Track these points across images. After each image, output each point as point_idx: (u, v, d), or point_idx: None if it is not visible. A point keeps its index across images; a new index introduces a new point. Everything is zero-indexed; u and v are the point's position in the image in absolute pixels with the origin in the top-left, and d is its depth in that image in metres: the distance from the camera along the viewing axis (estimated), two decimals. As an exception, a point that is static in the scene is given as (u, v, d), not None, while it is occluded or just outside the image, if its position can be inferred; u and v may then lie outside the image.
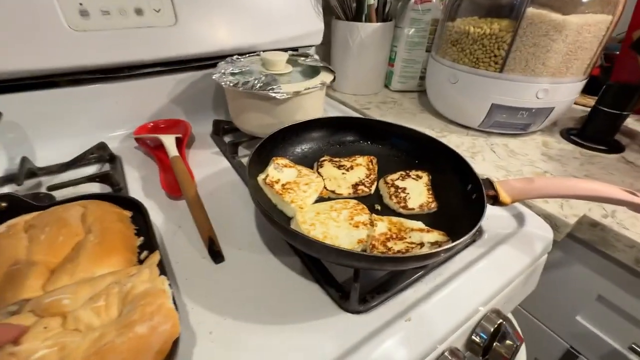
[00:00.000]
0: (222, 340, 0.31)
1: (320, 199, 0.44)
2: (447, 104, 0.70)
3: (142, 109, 0.65)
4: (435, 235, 0.37)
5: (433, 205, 0.42)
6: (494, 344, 0.38)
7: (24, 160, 0.50)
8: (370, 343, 0.31)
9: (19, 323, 0.25)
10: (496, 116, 0.63)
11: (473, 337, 0.38)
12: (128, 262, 0.33)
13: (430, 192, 0.44)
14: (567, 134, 0.68)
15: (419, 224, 0.39)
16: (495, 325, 0.37)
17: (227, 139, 0.64)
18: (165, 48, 0.59)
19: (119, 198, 0.41)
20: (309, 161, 0.50)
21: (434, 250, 0.29)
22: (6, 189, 0.50)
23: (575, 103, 0.81)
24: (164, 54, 0.60)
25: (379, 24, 0.75)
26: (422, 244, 0.35)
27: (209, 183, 0.52)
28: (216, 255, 0.38)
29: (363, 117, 0.54)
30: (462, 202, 0.41)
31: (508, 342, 0.38)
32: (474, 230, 0.32)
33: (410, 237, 0.37)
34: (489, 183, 0.40)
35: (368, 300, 0.34)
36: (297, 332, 0.32)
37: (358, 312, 0.33)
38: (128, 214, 0.39)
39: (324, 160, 0.49)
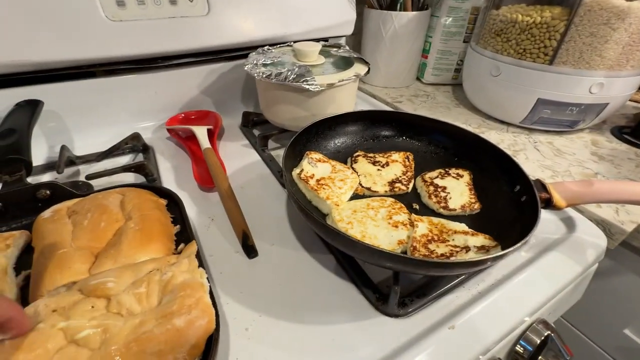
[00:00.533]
0: (258, 337, 0.30)
1: (355, 196, 0.42)
2: (486, 98, 0.66)
3: (174, 100, 0.65)
4: (481, 239, 0.34)
5: (476, 206, 0.40)
6: (539, 357, 0.35)
7: (63, 148, 0.51)
8: (412, 349, 0.29)
9: (59, 304, 0.25)
10: (541, 112, 0.59)
11: (517, 347, 0.35)
12: (167, 250, 0.33)
13: (473, 192, 0.42)
14: (619, 133, 0.63)
15: (463, 226, 0.36)
16: (542, 337, 0.35)
17: (256, 131, 0.64)
18: (197, 38, 0.59)
19: (155, 188, 0.41)
20: (342, 156, 0.49)
21: (484, 257, 0.27)
22: (47, 177, 0.51)
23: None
24: (197, 45, 0.59)
25: (414, 12, 0.72)
26: (467, 248, 0.33)
27: (239, 176, 0.52)
28: (250, 250, 0.38)
29: (398, 111, 0.51)
30: (509, 204, 0.38)
31: (554, 355, 0.36)
32: (529, 237, 0.29)
33: (453, 239, 0.35)
34: (541, 185, 0.37)
35: (407, 304, 0.33)
36: (334, 332, 0.31)
37: (397, 316, 0.32)
38: (163, 202, 0.40)
39: (358, 156, 0.47)
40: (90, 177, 0.47)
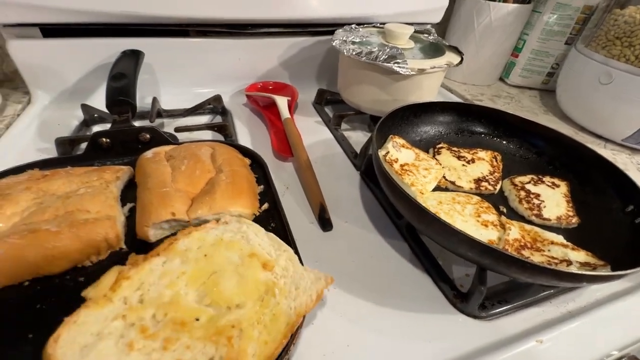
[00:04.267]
0: (333, 307, 0.30)
1: (437, 188, 0.40)
2: (586, 108, 0.59)
3: (253, 68, 0.66)
4: (583, 255, 0.31)
5: (574, 220, 0.36)
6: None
7: (155, 100, 0.55)
8: (493, 354, 0.27)
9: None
10: (653, 131, 0.52)
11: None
12: (253, 206, 0.34)
13: (570, 204, 0.38)
14: None
15: (561, 238, 0.33)
16: (632, 375, 0.31)
17: (328, 109, 0.63)
18: (289, 9, 0.59)
19: (240, 148, 0.42)
20: (423, 145, 0.47)
21: (607, 274, 0.24)
22: (138, 124, 0.55)
23: None
24: (287, 15, 0.59)
25: (514, 5, 0.66)
26: (567, 262, 0.30)
27: (312, 151, 0.52)
28: (326, 223, 0.38)
29: (492, 107, 0.48)
30: (617, 223, 0.34)
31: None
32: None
33: (549, 250, 0.32)
34: (663, 209, 0.32)
35: (487, 307, 0.31)
36: (409, 320, 0.30)
37: (476, 317, 0.30)
38: (248, 161, 0.41)
39: (442, 148, 0.45)
40: (179, 129, 0.49)
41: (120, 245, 0.30)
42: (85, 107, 0.51)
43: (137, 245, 0.30)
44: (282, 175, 0.46)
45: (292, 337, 0.24)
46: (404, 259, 0.36)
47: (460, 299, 0.31)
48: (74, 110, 0.53)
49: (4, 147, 0.45)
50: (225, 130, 0.51)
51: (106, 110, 0.42)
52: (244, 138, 0.53)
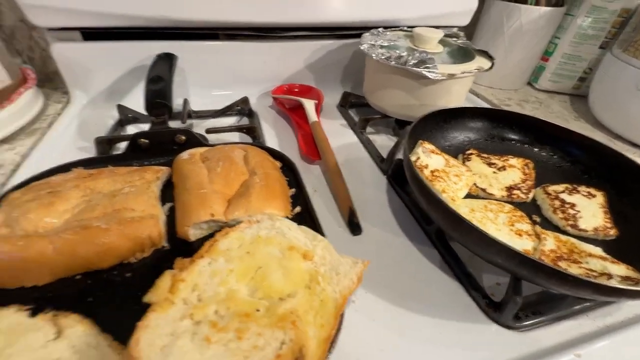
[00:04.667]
0: (364, 311, 0.31)
1: (468, 195, 0.40)
2: (621, 115, 0.57)
3: (279, 71, 0.67)
4: (623, 269, 0.30)
5: (612, 232, 0.35)
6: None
7: (186, 102, 0.56)
8: (529, 366, 0.27)
9: None
10: (694, 140, 0.50)
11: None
12: (285, 209, 0.35)
13: (608, 215, 0.37)
14: None
15: (599, 250, 0.33)
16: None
17: (352, 113, 0.63)
18: (316, 13, 0.60)
19: (270, 150, 0.43)
20: (453, 151, 0.46)
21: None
22: (170, 125, 0.57)
23: None
24: (314, 19, 0.60)
25: (547, 8, 0.64)
26: (607, 275, 0.30)
27: (338, 154, 0.52)
28: (355, 227, 0.38)
29: (523, 113, 0.47)
30: (659, 237, 0.33)
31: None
32: None
33: (587, 262, 0.31)
34: None
35: (521, 317, 0.31)
36: (440, 327, 0.30)
37: (510, 328, 0.30)
38: (279, 164, 0.41)
39: (472, 154, 0.45)
40: (209, 131, 0.51)
41: (162, 243, 0.31)
42: (120, 108, 0.53)
43: (176, 243, 0.32)
44: (310, 178, 0.46)
45: (341, 317, 0.26)
46: (434, 265, 0.36)
47: (494, 309, 0.31)
48: (110, 110, 0.55)
49: (49, 146, 0.48)
50: (253, 132, 0.52)
51: (140, 111, 0.44)
52: (271, 140, 0.54)
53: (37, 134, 0.50)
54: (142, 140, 0.41)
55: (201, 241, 0.30)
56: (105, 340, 0.23)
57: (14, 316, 0.23)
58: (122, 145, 0.45)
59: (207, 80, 0.64)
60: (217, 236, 0.29)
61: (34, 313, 0.24)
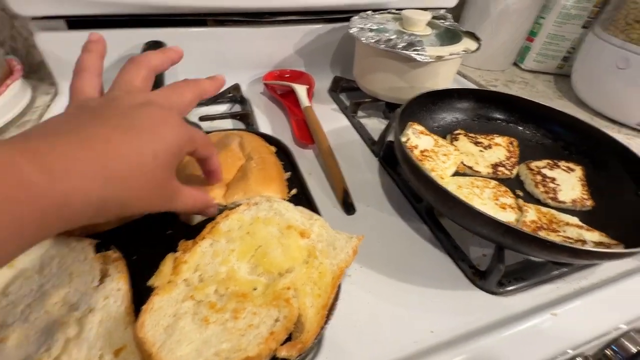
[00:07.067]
0: (360, 284, 0.33)
1: (456, 173, 0.42)
2: (601, 93, 0.59)
3: (269, 57, 0.67)
4: (597, 235, 0.33)
5: (588, 203, 0.38)
6: (632, 366, 0.34)
7: (177, 90, 0.56)
8: (510, 325, 0.30)
9: None
10: (668, 115, 0.52)
11: (607, 351, 0.35)
12: (282, 192, 0.36)
13: (586, 188, 0.39)
14: None
15: (575, 220, 0.35)
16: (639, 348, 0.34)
17: (343, 97, 0.64)
18: (305, -4, 0.59)
19: (265, 136, 0.44)
20: (441, 132, 0.48)
21: (621, 251, 0.26)
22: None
23: None
24: (303, 3, 0.60)
25: (532, -12, 0.65)
26: (582, 241, 0.32)
27: (331, 138, 0.53)
28: (349, 207, 0.40)
29: (508, 93, 0.49)
30: (630, 205, 0.36)
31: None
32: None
33: (564, 231, 0.34)
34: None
35: (504, 284, 0.33)
36: (432, 295, 0.32)
37: (495, 293, 0.33)
38: (274, 149, 0.42)
39: (459, 134, 0.46)
40: (203, 118, 0.51)
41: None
42: (111, 98, 0.53)
43: (179, 228, 0.33)
44: (304, 162, 0.47)
45: (338, 289, 0.27)
46: (424, 240, 0.38)
47: (479, 277, 0.33)
48: (100, 101, 0.55)
49: (41, 138, 0.48)
50: (247, 119, 0.53)
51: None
52: (264, 125, 0.55)
53: (29, 126, 0.50)
54: (137, 129, 0.41)
55: (202, 224, 0.31)
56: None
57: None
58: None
59: (197, 68, 0.63)
60: (217, 218, 0.30)
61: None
